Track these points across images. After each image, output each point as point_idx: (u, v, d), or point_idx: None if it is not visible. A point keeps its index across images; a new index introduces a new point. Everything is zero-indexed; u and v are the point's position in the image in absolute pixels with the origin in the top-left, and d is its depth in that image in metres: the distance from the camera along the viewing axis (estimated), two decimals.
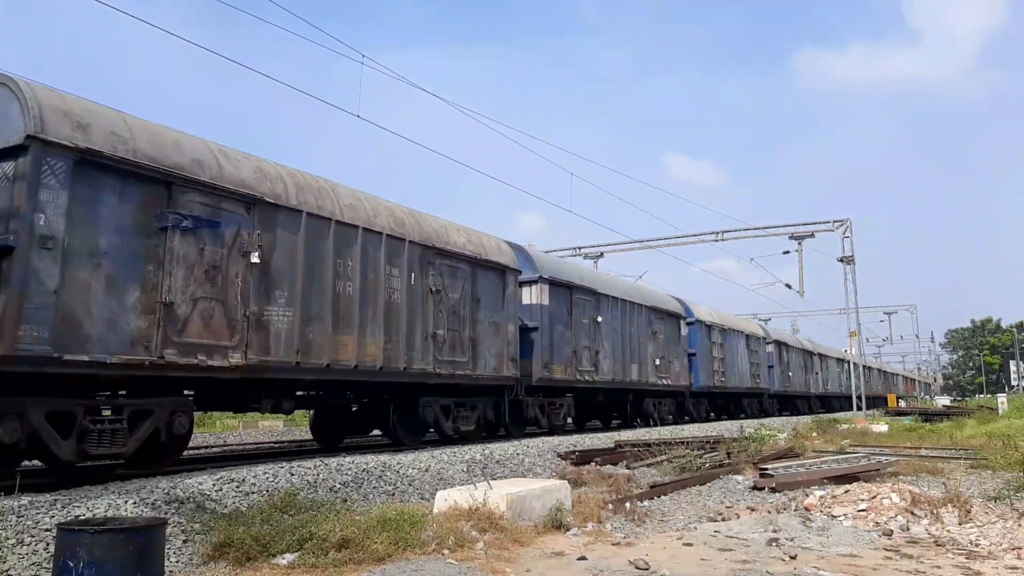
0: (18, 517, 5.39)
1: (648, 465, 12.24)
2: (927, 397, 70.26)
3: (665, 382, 20.57)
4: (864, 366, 45.51)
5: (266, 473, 7.75)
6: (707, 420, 24.38)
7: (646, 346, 19.44)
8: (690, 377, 22.66)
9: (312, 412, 12.98)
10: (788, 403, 35.81)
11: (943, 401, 50.72)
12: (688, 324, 23.11)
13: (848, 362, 43.27)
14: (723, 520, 7.91)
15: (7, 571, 4.79)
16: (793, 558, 6.07)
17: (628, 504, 8.24)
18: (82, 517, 5.45)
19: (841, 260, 29.03)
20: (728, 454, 13.45)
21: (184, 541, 5.69)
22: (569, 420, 16.93)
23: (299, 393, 10.42)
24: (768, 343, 31.16)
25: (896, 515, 7.67)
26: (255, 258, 8.47)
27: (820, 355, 41.50)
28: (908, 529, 7.30)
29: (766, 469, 11.37)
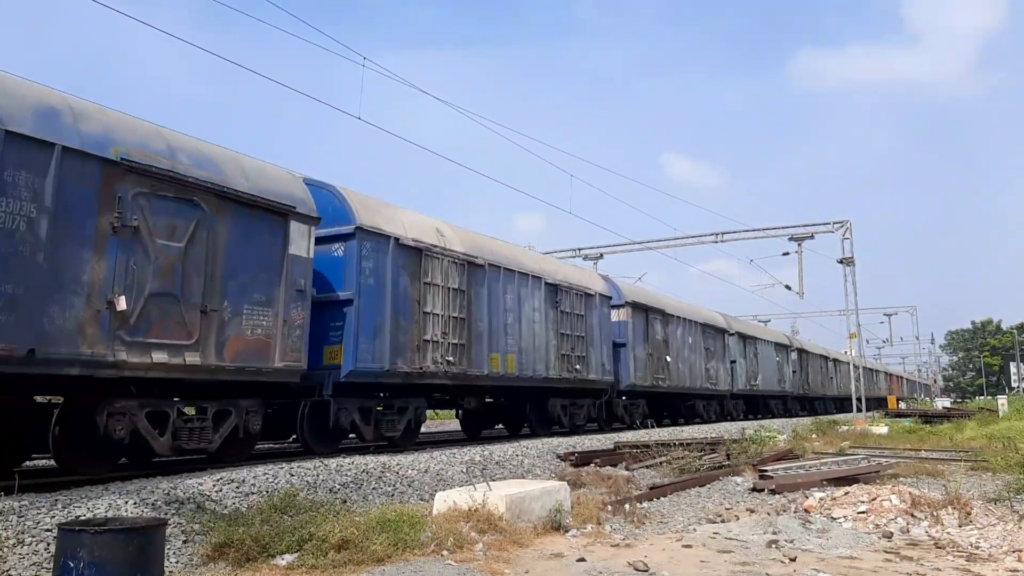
0: (18, 517, 5.40)
1: (647, 467, 12.26)
2: (927, 398, 70.16)
3: (243, 365, 8.42)
4: (832, 359, 43.89)
5: (266, 474, 7.76)
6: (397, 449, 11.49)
7: (228, 284, 8.25)
8: (305, 350, 9.31)
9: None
10: (671, 404, 23.51)
11: (943, 403, 50.69)
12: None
13: (793, 349, 35.15)
14: (723, 522, 7.92)
15: (7, 571, 4.79)
16: (793, 560, 6.07)
17: (627, 505, 8.25)
18: (82, 517, 5.46)
19: (841, 261, 29.04)
20: (727, 456, 13.46)
21: (184, 541, 5.70)
22: None
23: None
24: (618, 307, 19.10)
25: (896, 517, 7.66)
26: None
27: (742, 335, 27.97)
28: (908, 531, 7.30)
29: (766, 471, 11.36)
